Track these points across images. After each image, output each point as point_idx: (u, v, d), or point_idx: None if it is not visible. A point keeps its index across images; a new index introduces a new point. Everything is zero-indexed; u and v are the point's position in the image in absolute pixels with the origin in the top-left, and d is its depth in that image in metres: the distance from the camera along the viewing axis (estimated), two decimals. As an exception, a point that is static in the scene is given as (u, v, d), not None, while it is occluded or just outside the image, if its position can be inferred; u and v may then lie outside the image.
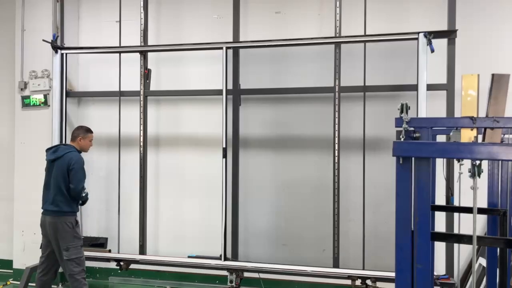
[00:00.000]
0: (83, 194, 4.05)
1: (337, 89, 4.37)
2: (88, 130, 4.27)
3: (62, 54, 4.98)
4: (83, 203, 4.17)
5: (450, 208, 3.30)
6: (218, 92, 4.60)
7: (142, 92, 4.92)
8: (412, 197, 1.89)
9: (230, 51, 4.66)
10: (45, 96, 5.17)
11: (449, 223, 4.05)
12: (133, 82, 5.00)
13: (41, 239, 4.23)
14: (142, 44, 4.95)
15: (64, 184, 3.98)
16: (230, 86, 4.64)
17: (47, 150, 4.22)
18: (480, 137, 1.98)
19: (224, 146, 4.51)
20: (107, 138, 5.30)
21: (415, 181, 1.86)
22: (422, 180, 1.85)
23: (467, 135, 1.82)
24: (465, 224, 3.09)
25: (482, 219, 3.61)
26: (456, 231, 3.67)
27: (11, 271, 5.33)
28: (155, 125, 5.17)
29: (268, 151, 4.93)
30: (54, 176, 4.03)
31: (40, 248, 4.23)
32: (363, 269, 4.30)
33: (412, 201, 1.89)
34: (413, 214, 1.89)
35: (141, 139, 4.90)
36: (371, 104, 4.46)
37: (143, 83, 4.93)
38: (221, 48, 4.54)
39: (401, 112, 1.89)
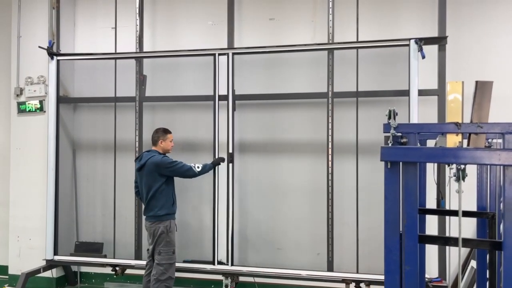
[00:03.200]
0: (197, 170, 4.11)
1: (330, 95, 4.43)
2: (166, 131, 4.27)
3: (58, 61, 5.00)
4: (208, 170, 4.27)
5: (439, 212, 3.36)
6: (214, 98, 4.64)
7: (137, 98, 4.96)
8: (400, 201, 1.94)
9: (225, 57, 4.71)
10: (40, 102, 5.20)
11: (442, 226, 4.11)
12: (129, 88, 5.03)
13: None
14: (138, 50, 5.00)
15: (158, 186, 4.04)
16: (224, 92, 4.69)
17: (135, 160, 4.37)
18: (465, 142, 2.04)
19: (231, 151, 4.52)
20: (103, 143, 5.34)
21: (403, 185, 1.91)
22: (410, 184, 1.90)
23: (452, 140, 1.88)
24: (457, 227, 3.14)
25: (474, 222, 3.66)
26: (447, 234, 3.71)
27: (7, 276, 5.33)
28: (150, 131, 5.20)
29: (263, 156, 4.97)
30: (145, 182, 4.11)
31: (147, 250, 4.29)
32: (357, 272, 4.34)
33: (401, 204, 1.94)
34: (401, 217, 1.94)
35: (137, 145, 4.93)
36: (363, 109, 4.52)
37: (138, 89, 4.97)
38: (214, 54, 4.59)
39: (389, 118, 1.94)
